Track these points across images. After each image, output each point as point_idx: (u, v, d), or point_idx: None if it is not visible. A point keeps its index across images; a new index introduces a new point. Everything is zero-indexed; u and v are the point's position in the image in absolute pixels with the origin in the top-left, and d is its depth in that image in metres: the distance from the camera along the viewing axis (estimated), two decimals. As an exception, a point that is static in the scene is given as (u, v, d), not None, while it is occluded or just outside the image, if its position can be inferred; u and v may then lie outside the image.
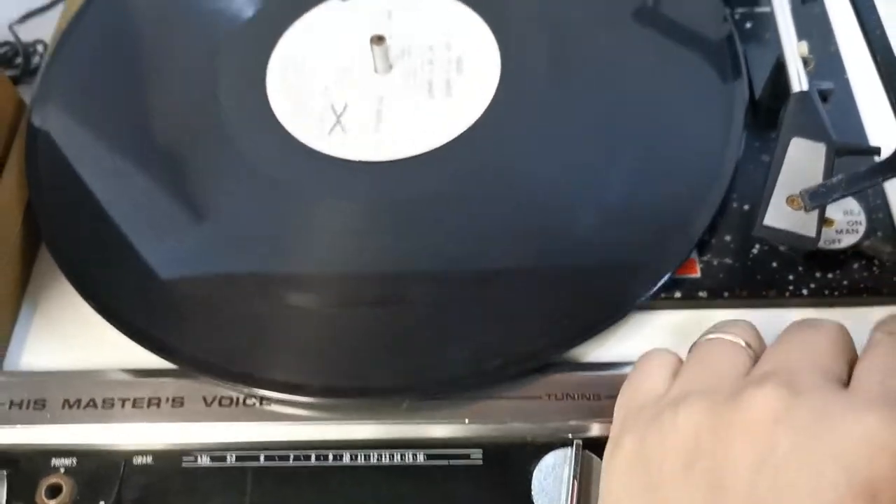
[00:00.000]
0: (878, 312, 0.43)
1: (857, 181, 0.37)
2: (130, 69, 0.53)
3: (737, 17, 0.54)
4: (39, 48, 0.67)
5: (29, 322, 0.46)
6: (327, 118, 0.49)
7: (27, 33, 0.67)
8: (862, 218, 0.44)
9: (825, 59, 0.51)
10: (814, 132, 0.41)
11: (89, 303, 0.44)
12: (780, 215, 0.39)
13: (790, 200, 0.40)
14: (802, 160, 0.41)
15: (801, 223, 0.39)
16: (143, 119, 0.50)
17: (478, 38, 0.52)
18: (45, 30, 0.67)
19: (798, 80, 0.44)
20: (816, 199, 0.37)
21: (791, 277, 0.44)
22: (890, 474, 0.28)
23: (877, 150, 0.42)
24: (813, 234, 0.39)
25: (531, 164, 0.47)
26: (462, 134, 0.48)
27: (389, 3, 0.55)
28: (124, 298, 0.44)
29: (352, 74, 0.51)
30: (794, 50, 0.45)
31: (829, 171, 0.40)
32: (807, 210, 0.38)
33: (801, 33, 0.51)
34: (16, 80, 0.63)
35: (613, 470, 0.34)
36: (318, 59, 0.52)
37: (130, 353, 0.43)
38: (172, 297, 0.44)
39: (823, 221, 0.40)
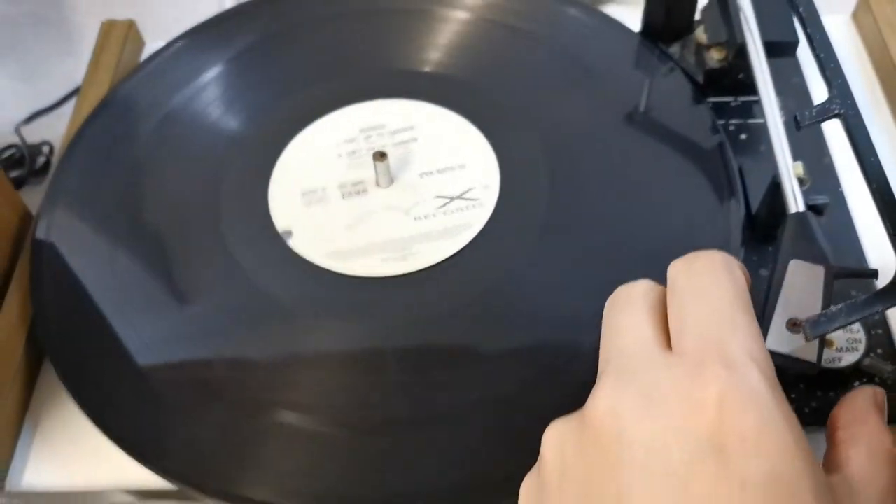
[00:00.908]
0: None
1: (857, 310, 0.37)
2: (136, 179, 0.54)
3: (731, 128, 0.55)
4: (45, 149, 0.68)
5: (30, 441, 0.46)
6: (388, 245, 0.50)
7: (33, 133, 0.68)
8: (861, 336, 0.44)
9: (819, 170, 0.52)
10: (812, 255, 0.42)
11: (93, 422, 0.44)
12: (780, 340, 0.40)
13: (790, 324, 0.40)
14: (801, 283, 0.41)
15: (801, 346, 0.39)
16: (150, 232, 0.51)
17: (476, 150, 0.53)
18: (51, 130, 0.68)
19: (794, 200, 0.44)
20: (818, 328, 0.38)
21: (793, 396, 0.44)
22: (729, 423, 0.28)
23: (874, 273, 0.42)
24: (814, 359, 0.39)
25: (531, 284, 0.47)
26: (470, 243, 0.49)
27: (333, 129, 0.56)
28: (129, 418, 0.44)
29: (364, 201, 0.52)
30: (789, 170, 0.46)
31: (828, 294, 0.40)
32: (808, 340, 0.39)
33: (796, 148, 0.52)
34: (22, 181, 0.64)
35: None
36: (324, 207, 0.52)
37: (134, 474, 0.43)
38: (178, 419, 0.44)
39: (824, 345, 0.40)
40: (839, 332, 0.44)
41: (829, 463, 0.34)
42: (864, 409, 0.35)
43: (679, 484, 0.28)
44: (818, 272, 0.41)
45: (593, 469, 0.30)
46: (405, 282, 0.48)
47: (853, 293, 0.46)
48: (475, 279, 0.47)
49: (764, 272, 0.48)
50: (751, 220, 0.50)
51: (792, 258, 0.42)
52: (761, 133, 0.54)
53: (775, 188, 0.47)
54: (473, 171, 0.51)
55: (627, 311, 0.34)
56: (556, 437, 0.32)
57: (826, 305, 0.40)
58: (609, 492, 0.29)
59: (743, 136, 0.54)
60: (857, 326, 0.44)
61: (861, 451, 0.33)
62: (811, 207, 0.49)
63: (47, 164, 0.67)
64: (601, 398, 0.31)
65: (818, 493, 0.28)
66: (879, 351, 0.45)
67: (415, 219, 0.50)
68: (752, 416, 0.29)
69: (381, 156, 0.50)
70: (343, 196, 0.52)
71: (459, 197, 0.50)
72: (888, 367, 0.44)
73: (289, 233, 0.50)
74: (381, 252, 0.49)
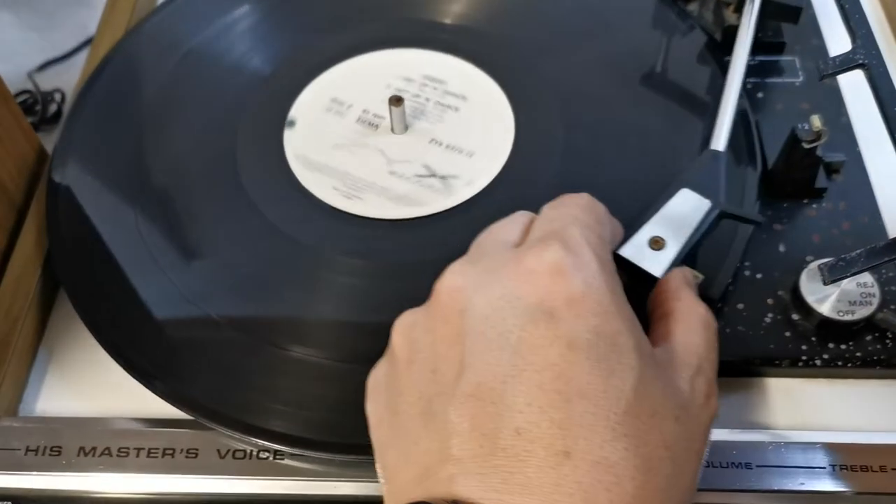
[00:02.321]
0: (890, 385, 0.44)
1: (875, 256, 0.37)
2: (150, 122, 0.54)
3: (748, 86, 0.55)
4: (57, 97, 0.68)
5: (45, 369, 0.46)
6: (347, 178, 0.50)
7: (46, 82, 0.68)
8: (876, 290, 0.44)
9: (836, 130, 0.52)
10: (706, 190, 0.42)
11: (106, 349, 0.44)
12: (636, 250, 0.40)
13: (653, 241, 0.40)
14: (683, 211, 0.42)
15: (651, 263, 0.40)
16: (162, 172, 0.51)
17: (491, 98, 0.53)
18: (63, 78, 0.68)
19: (719, 138, 0.45)
20: (835, 272, 0.38)
21: (804, 348, 0.44)
22: (558, 288, 0.32)
23: (758, 222, 0.44)
24: (658, 274, 0.39)
25: None
26: (485, 188, 0.49)
27: (401, 64, 0.56)
28: (142, 348, 0.44)
29: (369, 134, 0.52)
30: (731, 108, 0.46)
31: (700, 227, 0.41)
32: (825, 283, 0.39)
33: (814, 106, 0.52)
34: (34, 127, 0.64)
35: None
36: (336, 119, 0.52)
37: (145, 401, 0.43)
38: (190, 348, 0.44)
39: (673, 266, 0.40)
40: (853, 286, 0.44)
41: (653, 338, 0.36)
42: (676, 288, 0.37)
43: (511, 348, 0.31)
44: (703, 206, 0.42)
45: (438, 342, 0.33)
46: (340, 216, 0.49)
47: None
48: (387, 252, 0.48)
49: (778, 227, 0.48)
50: (766, 176, 0.50)
51: (686, 186, 0.42)
52: (778, 91, 0.54)
53: (792, 143, 0.47)
54: (475, 164, 0.51)
55: (491, 227, 0.38)
56: (406, 322, 0.35)
57: (694, 236, 0.41)
58: (452, 359, 0.32)
59: (760, 95, 0.54)
60: (870, 280, 0.44)
61: (679, 322, 0.36)
62: (827, 165, 0.49)
63: (59, 112, 0.67)
64: (447, 277, 0.34)
65: (639, 349, 0.32)
66: (893, 307, 0.45)
67: (389, 172, 0.50)
68: (579, 282, 0.32)
69: (396, 100, 0.50)
70: (357, 120, 0.52)
71: (439, 177, 0.50)
72: (901, 322, 0.44)
73: (293, 122, 0.52)
74: (338, 180, 0.50)
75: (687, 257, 0.41)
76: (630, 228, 0.41)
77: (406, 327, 0.35)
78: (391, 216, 0.48)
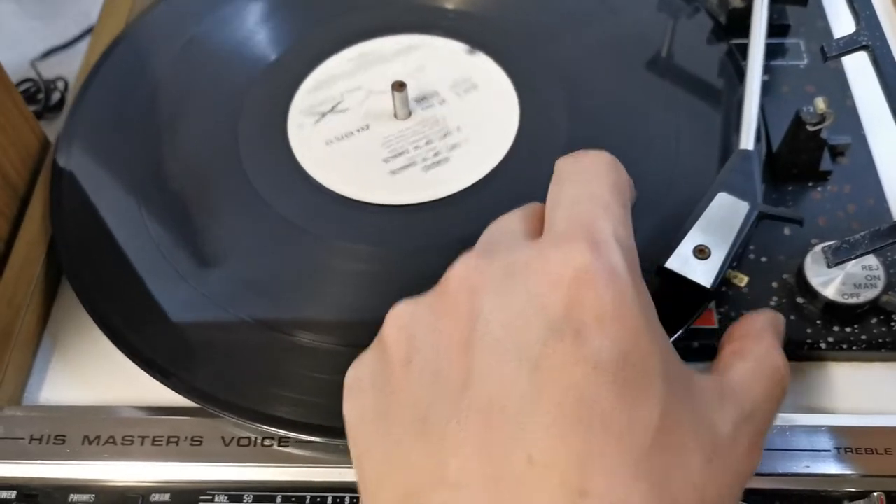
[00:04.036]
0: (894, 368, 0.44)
1: (879, 238, 0.37)
2: (154, 110, 0.54)
3: (754, 70, 0.54)
4: (60, 85, 0.68)
5: (48, 357, 0.47)
6: (351, 162, 0.50)
7: (48, 70, 0.68)
8: (881, 273, 0.44)
9: (841, 113, 0.52)
10: (742, 192, 0.42)
11: (109, 338, 0.44)
12: (683, 262, 0.40)
13: (698, 250, 0.40)
14: (723, 215, 0.41)
15: (699, 273, 0.40)
16: (166, 160, 0.51)
17: (494, 82, 0.53)
18: (65, 67, 0.68)
19: (747, 137, 0.45)
20: (839, 255, 0.38)
21: (809, 331, 0.44)
22: (586, 301, 0.28)
23: (800, 220, 0.43)
24: (708, 284, 0.39)
25: None
26: (490, 173, 0.49)
27: (405, 50, 0.55)
28: (146, 336, 0.44)
29: (372, 120, 0.51)
30: (755, 106, 0.46)
31: (742, 230, 0.41)
32: (829, 266, 0.39)
33: (819, 88, 0.52)
34: (37, 116, 0.64)
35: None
36: (341, 105, 0.52)
37: (149, 390, 0.43)
38: (192, 335, 0.44)
39: (724, 274, 0.40)
40: (858, 269, 0.44)
41: (714, 368, 0.33)
42: (762, 328, 0.35)
43: (531, 365, 0.27)
44: (742, 209, 0.42)
45: (443, 343, 0.29)
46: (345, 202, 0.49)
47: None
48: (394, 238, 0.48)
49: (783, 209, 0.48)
50: (771, 160, 0.50)
51: (723, 190, 0.42)
52: (783, 74, 0.54)
53: (797, 126, 0.47)
54: (479, 148, 0.50)
55: (502, 217, 0.34)
56: (403, 313, 0.31)
57: (737, 241, 0.41)
58: (460, 366, 0.28)
59: (765, 78, 0.54)
60: (875, 263, 0.44)
61: (748, 362, 0.33)
62: (832, 148, 0.49)
63: (62, 100, 0.67)
64: (460, 270, 0.30)
65: (667, 376, 0.28)
66: (897, 289, 0.45)
67: (392, 157, 0.50)
68: (611, 296, 0.28)
69: (399, 86, 0.50)
70: (361, 106, 0.53)
71: (443, 161, 0.50)
72: (906, 304, 0.44)
73: (297, 109, 0.52)
74: (342, 167, 0.50)
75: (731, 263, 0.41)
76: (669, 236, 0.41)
77: (404, 320, 0.31)
78: (395, 202, 0.48)
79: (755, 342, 0.34)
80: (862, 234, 0.38)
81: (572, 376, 0.27)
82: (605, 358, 0.27)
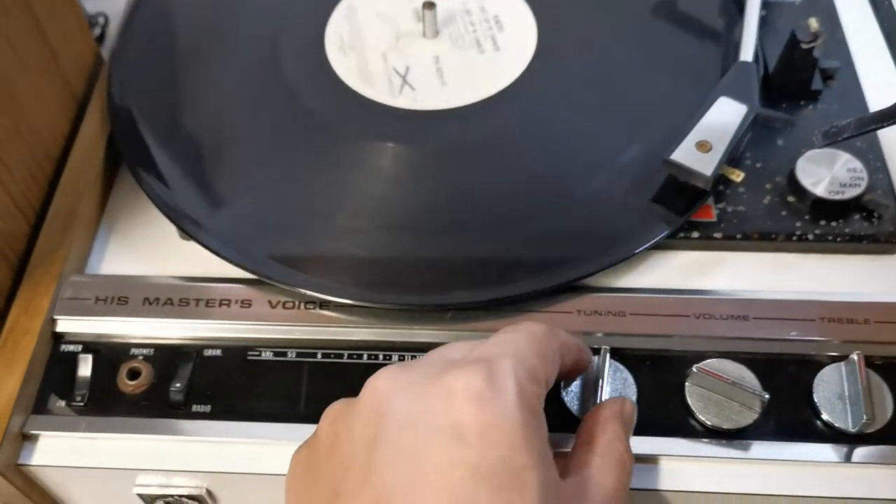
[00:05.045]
0: (874, 259, 0.48)
1: (865, 123, 0.42)
2: (199, 31, 0.59)
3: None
4: (101, 20, 0.72)
5: (107, 238, 0.51)
6: (395, 80, 0.54)
7: (91, 5, 0.72)
8: (864, 175, 0.48)
9: (832, 44, 0.56)
10: (742, 96, 0.48)
11: (167, 216, 0.48)
12: (686, 154, 0.46)
13: (699, 145, 0.46)
14: (723, 116, 0.47)
15: (701, 164, 0.45)
16: (213, 68, 0.56)
17: (515, 11, 0.58)
18: (108, 3, 0.72)
19: (747, 50, 0.51)
20: (828, 137, 0.42)
21: (798, 224, 0.48)
22: (471, 413, 0.32)
23: (791, 121, 0.49)
24: (708, 173, 0.45)
25: (574, 114, 0.52)
26: (514, 81, 0.54)
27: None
28: (199, 216, 0.49)
29: (403, 40, 0.56)
30: (753, 22, 0.52)
31: (740, 128, 0.47)
32: (817, 146, 0.43)
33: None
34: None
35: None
36: (370, 29, 0.57)
37: (195, 265, 0.48)
38: (246, 213, 0.49)
39: (721, 167, 0.46)
40: (844, 172, 0.49)
41: (569, 464, 0.37)
42: (607, 418, 0.38)
43: (417, 464, 0.31)
44: (740, 110, 0.48)
45: (355, 440, 0.33)
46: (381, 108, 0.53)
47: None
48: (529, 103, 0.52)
49: (779, 125, 0.53)
50: (766, 82, 0.54)
51: (724, 94, 0.48)
52: (779, 10, 0.59)
53: (792, 45, 0.52)
54: (499, 65, 0.55)
55: (449, 344, 0.38)
56: (333, 413, 0.36)
57: (736, 137, 0.47)
58: (363, 461, 0.32)
59: (763, 13, 0.59)
60: (859, 166, 0.49)
61: (596, 455, 0.37)
62: (823, 71, 0.54)
63: (102, 35, 0.71)
64: (377, 377, 0.35)
65: (544, 486, 0.32)
66: (879, 192, 0.49)
67: (468, 59, 0.55)
68: (492, 412, 0.32)
69: (430, 5, 0.55)
70: (396, 49, 0.57)
71: (503, 36, 0.55)
72: (886, 202, 0.48)
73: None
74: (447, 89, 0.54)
75: (729, 158, 0.46)
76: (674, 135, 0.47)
77: (333, 417, 0.36)
78: (428, 107, 0.53)
79: (601, 433, 0.38)
80: (848, 120, 0.43)
81: (450, 478, 0.31)
82: (482, 464, 0.31)
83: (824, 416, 0.42)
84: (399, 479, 0.31)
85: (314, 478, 0.35)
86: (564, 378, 0.42)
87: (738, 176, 0.48)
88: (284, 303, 0.46)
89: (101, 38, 0.71)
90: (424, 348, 0.43)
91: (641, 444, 0.41)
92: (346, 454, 0.34)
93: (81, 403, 0.44)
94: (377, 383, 0.34)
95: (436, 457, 0.31)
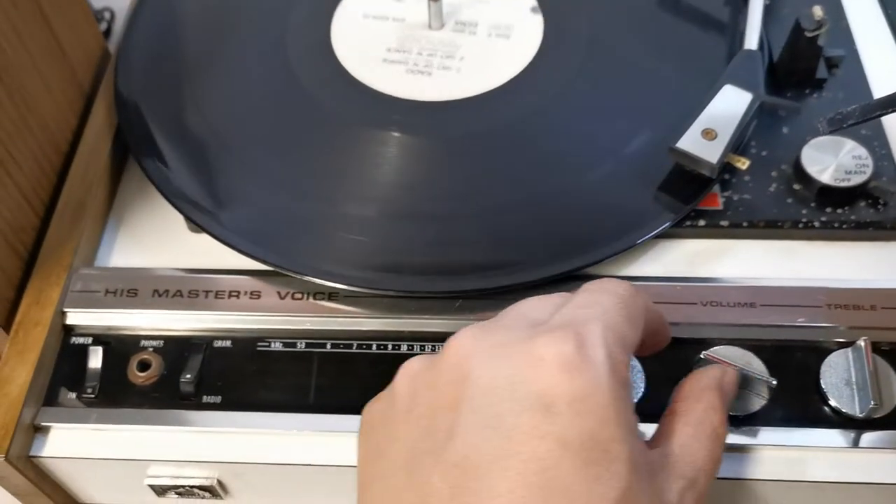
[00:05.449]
0: (880, 246, 0.48)
1: (870, 110, 0.42)
2: (204, 23, 0.59)
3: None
4: (107, 15, 0.72)
5: (116, 230, 0.51)
6: (402, 70, 0.55)
7: (97, 1, 0.72)
8: (870, 162, 0.49)
9: (836, 31, 0.57)
10: (747, 84, 0.48)
11: (175, 206, 0.49)
12: (692, 142, 0.46)
13: (705, 133, 0.46)
14: (728, 104, 0.48)
15: (706, 151, 0.46)
16: (219, 60, 0.56)
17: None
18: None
19: (752, 39, 0.51)
20: (834, 123, 0.43)
21: (804, 211, 0.49)
22: (558, 384, 0.31)
23: (797, 108, 0.49)
24: (714, 161, 0.45)
25: (580, 104, 0.53)
26: (522, 71, 0.54)
27: None
28: (207, 206, 0.49)
29: (410, 31, 0.56)
30: (758, 11, 0.52)
31: (746, 116, 0.47)
32: (822, 133, 0.44)
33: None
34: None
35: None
36: (376, 19, 0.57)
37: (205, 257, 0.48)
38: (254, 204, 0.49)
39: (727, 155, 0.46)
40: (849, 159, 0.49)
41: (658, 432, 0.36)
42: (704, 387, 0.37)
43: (503, 432, 0.30)
44: (746, 98, 0.48)
45: (437, 400, 0.32)
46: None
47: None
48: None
49: (782, 112, 0.53)
50: (771, 70, 0.54)
51: (729, 83, 0.48)
52: (784, -2, 0.59)
53: (796, 33, 0.52)
54: (504, 58, 0.55)
55: (525, 300, 0.37)
56: (412, 370, 0.35)
57: (741, 125, 0.47)
58: (446, 423, 0.32)
59: (767, 1, 0.59)
60: (865, 153, 0.49)
61: (688, 426, 0.35)
62: (828, 59, 0.54)
63: (108, 30, 0.72)
64: (460, 337, 0.34)
65: (632, 461, 0.31)
66: (884, 179, 0.49)
67: (475, 49, 0.56)
68: (584, 382, 0.31)
69: (436, -2, 0.55)
70: (402, 41, 0.57)
71: (509, 26, 0.55)
72: (892, 189, 0.48)
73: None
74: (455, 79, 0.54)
75: (735, 146, 0.46)
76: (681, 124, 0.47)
77: (412, 374, 0.35)
78: (435, 97, 0.54)
79: (696, 402, 0.36)
80: (853, 107, 0.43)
81: (538, 448, 0.30)
82: (571, 436, 0.30)
83: (832, 402, 0.42)
84: (483, 447, 0.30)
85: (391, 436, 0.34)
86: (638, 351, 0.37)
87: (743, 163, 0.48)
88: (293, 294, 0.46)
89: (107, 33, 0.71)
90: (433, 338, 0.44)
91: (649, 431, 0.41)
92: (425, 415, 0.33)
93: (92, 395, 0.44)
94: (460, 344, 0.33)
95: (523, 426, 0.30)
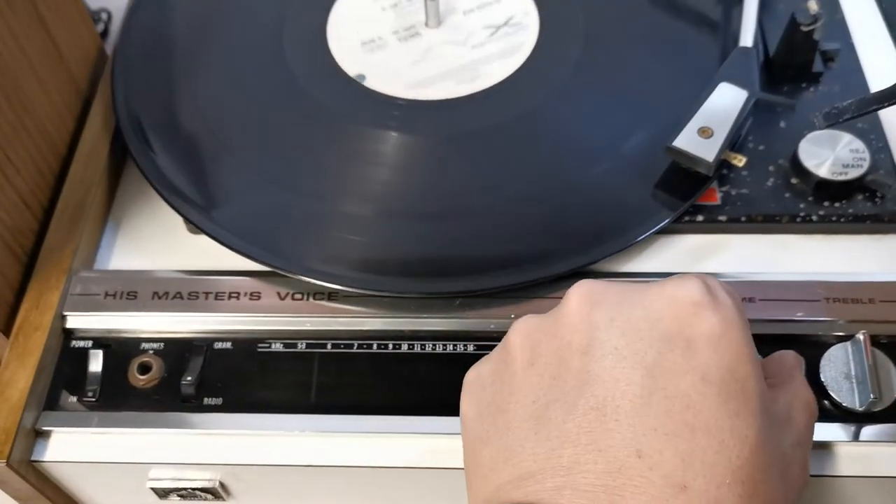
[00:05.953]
0: (878, 239, 0.49)
1: (866, 104, 0.42)
2: (201, 24, 0.59)
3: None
4: (104, 16, 0.72)
5: (115, 232, 0.51)
6: (400, 69, 0.55)
7: (94, 2, 0.72)
8: (867, 155, 0.49)
9: (832, 26, 0.57)
10: (742, 82, 0.48)
11: (174, 208, 0.49)
12: (688, 141, 0.46)
13: (701, 131, 0.46)
14: (724, 102, 0.48)
15: (703, 150, 0.46)
16: (216, 58, 0.56)
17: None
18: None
19: (747, 36, 0.51)
20: (830, 118, 0.43)
21: (802, 206, 0.49)
22: (695, 321, 0.32)
23: (792, 105, 0.50)
24: (710, 159, 0.45)
25: (577, 103, 0.53)
26: (519, 70, 0.54)
27: None
28: (206, 207, 0.49)
29: (406, 30, 0.56)
30: (753, 8, 0.52)
31: (741, 114, 0.47)
32: (819, 128, 0.44)
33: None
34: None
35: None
36: (372, 19, 0.58)
37: (204, 258, 0.48)
38: (253, 204, 0.49)
39: (723, 153, 0.46)
40: (846, 152, 0.49)
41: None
42: (792, 367, 0.38)
43: (646, 368, 0.31)
44: (741, 96, 0.48)
45: (563, 349, 0.33)
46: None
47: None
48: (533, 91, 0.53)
49: (780, 109, 0.53)
50: (768, 65, 0.54)
51: (724, 80, 0.48)
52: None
53: (792, 28, 0.52)
54: (499, 57, 0.56)
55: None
56: (527, 324, 0.35)
57: (737, 123, 0.47)
58: (577, 369, 0.32)
59: (762, -4, 0.59)
60: (862, 147, 0.49)
61: (787, 393, 0.36)
62: (824, 53, 0.54)
63: (105, 31, 0.71)
64: (582, 288, 0.34)
65: (762, 396, 0.32)
66: (881, 171, 0.49)
67: (472, 47, 0.55)
68: (720, 319, 0.32)
69: (434, -6, 0.55)
70: (400, 40, 0.57)
71: (505, 24, 0.55)
72: (889, 182, 0.49)
73: (362, 76, 0.55)
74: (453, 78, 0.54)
75: (731, 143, 0.46)
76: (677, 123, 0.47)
77: (527, 330, 0.35)
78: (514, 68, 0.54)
79: (789, 378, 0.37)
80: (849, 101, 0.43)
81: (681, 384, 0.31)
82: (712, 371, 0.31)
83: (831, 396, 0.42)
84: (624, 385, 0.31)
85: (509, 390, 0.34)
86: None
87: (740, 161, 0.48)
88: (293, 294, 0.46)
89: (104, 34, 0.71)
90: (434, 337, 0.45)
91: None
92: (552, 363, 0.33)
93: (93, 399, 0.44)
94: (583, 292, 0.34)
95: (665, 363, 0.31)
